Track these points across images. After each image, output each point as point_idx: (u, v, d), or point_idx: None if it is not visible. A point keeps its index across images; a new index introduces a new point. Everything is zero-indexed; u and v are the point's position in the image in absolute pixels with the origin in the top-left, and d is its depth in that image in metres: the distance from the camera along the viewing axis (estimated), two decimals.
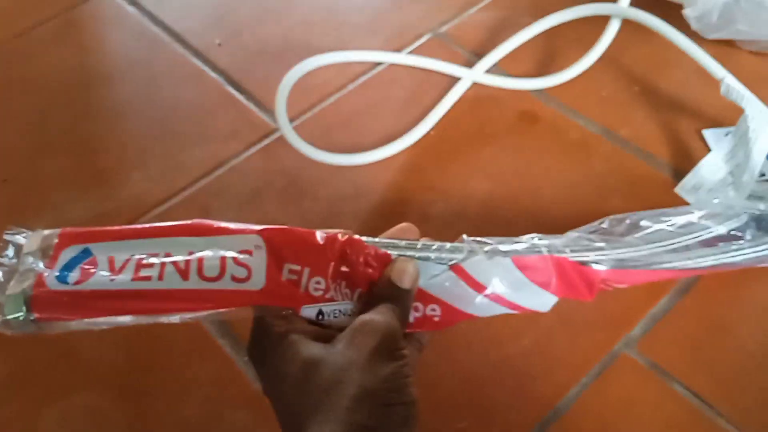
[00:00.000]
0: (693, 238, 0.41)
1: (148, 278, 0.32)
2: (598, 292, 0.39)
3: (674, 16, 0.56)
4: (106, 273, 0.32)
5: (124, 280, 0.32)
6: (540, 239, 0.39)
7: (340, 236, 0.36)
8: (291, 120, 0.58)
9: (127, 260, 0.32)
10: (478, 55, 0.61)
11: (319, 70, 0.60)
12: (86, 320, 0.32)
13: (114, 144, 0.59)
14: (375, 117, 0.59)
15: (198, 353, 0.46)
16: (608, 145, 0.55)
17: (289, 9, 0.69)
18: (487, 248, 0.38)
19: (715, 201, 0.44)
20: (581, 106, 0.58)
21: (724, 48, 0.59)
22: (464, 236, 0.38)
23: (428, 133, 0.57)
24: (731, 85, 0.49)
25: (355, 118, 0.59)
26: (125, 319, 0.32)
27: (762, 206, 0.46)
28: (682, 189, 0.51)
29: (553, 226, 0.50)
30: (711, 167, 0.51)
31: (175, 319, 0.33)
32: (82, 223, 0.53)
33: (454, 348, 0.45)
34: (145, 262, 0.32)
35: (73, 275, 0.32)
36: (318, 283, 0.34)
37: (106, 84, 0.64)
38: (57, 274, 0.32)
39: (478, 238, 0.38)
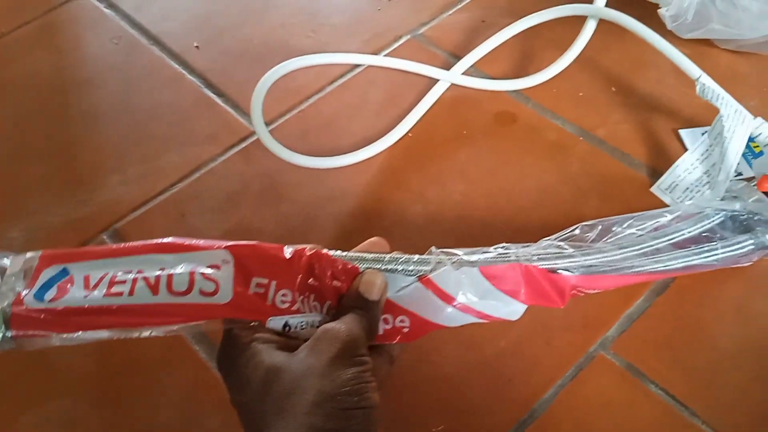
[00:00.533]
0: (664, 241, 0.41)
1: (119, 294, 0.33)
2: (570, 298, 0.39)
3: (651, 16, 0.57)
4: (80, 290, 0.33)
5: (97, 296, 0.33)
6: (509, 249, 0.39)
7: (307, 251, 0.36)
8: (269, 123, 0.58)
9: (101, 278, 0.33)
10: (456, 56, 0.61)
11: (298, 73, 0.59)
12: (64, 336, 0.33)
13: (91, 148, 0.59)
14: (353, 119, 0.59)
15: (173, 359, 0.46)
16: (585, 145, 0.55)
17: (268, 11, 0.69)
18: (455, 259, 0.38)
19: (689, 202, 0.44)
20: (558, 106, 0.58)
21: (701, 47, 0.60)
22: (433, 248, 0.39)
23: (406, 135, 0.57)
24: (706, 84, 0.50)
25: (333, 121, 0.59)
26: (101, 334, 0.33)
27: (738, 205, 0.46)
28: (658, 189, 0.51)
29: (529, 227, 0.51)
30: (687, 167, 0.51)
31: (147, 333, 0.34)
32: (58, 227, 0.53)
33: (431, 351, 0.45)
34: (117, 279, 0.33)
35: (50, 293, 0.33)
36: (284, 295, 0.35)
37: (84, 88, 0.64)
38: (35, 292, 0.33)
39: (447, 250, 0.39)
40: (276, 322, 0.35)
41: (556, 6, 0.56)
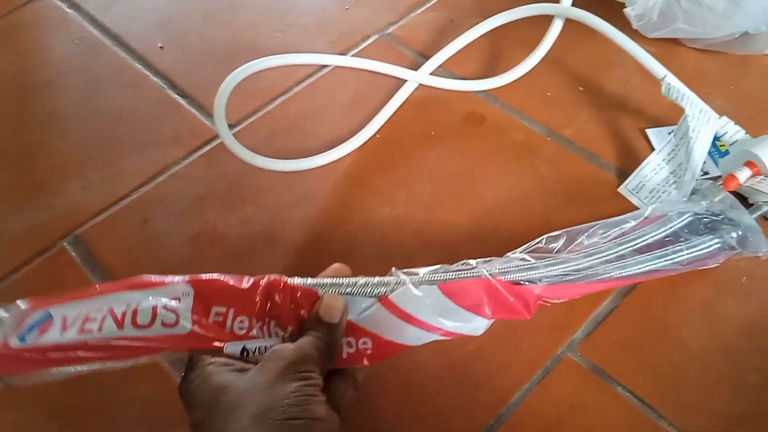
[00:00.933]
0: (629, 247, 0.41)
1: (90, 331, 0.36)
2: (536, 309, 0.39)
3: (618, 16, 0.57)
4: (58, 330, 0.36)
5: (71, 334, 0.35)
6: (471, 264, 0.40)
7: (265, 279, 0.38)
8: (235, 124, 0.58)
9: (76, 317, 0.36)
10: (425, 56, 0.60)
11: (265, 74, 0.58)
12: (45, 371, 0.36)
13: (52, 152, 0.57)
14: (321, 120, 0.58)
15: (134, 370, 0.44)
16: (552, 145, 0.55)
17: (234, 11, 0.68)
18: (414, 279, 0.38)
19: (655, 205, 0.44)
20: (526, 106, 0.58)
21: (669, 45, 0.60)
22: (393, 269, 0.39)
23: (374, 136, 0.56)
24: (672, 84, 0.50)
25: (300, 122, 0.58)
26: (80, 368, 0.36)
27: (703, 206, 0.46)
28: (625, 189, 0.51)
29: (497, 228, 0.50)
30: (654, 167, 0.51)
31: (121, 365, 0.36)
32: (18, 234, 0.52)
33: (398, 356, 0.44)
34: (90, 317, 0.36)
35: (32, 335, 0.36)
36: (242, 322, 0.37)
37: (45, 90, 0.62)
38: (19, 334, 0.36)
39: (408, 270, 0.39)
40: (233, 348, 0.36)
41: (523, 5, 0.56)
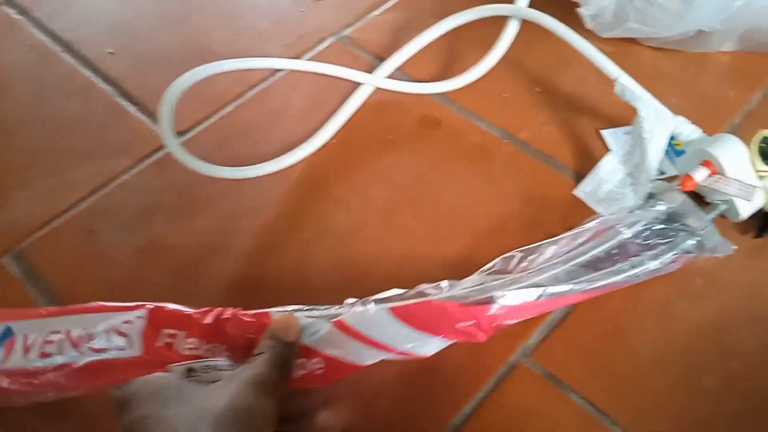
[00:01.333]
0: (580, 263, 0.41)
1: (49, 355, 0.37)
2: (493, 332, 0.39)
3: (574, 16, 0.56)
4: (21, 351, 0.37)
5: (33, 357, 0.37)
6: (425, 289, 0.40)
7: (217, 309, 0.38)
8: (185, 131, 0.56)
9: (36, 339, 0.37)
10: (382, 59, 0.59)
11: (218, 79, 0.57)
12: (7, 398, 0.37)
13: None
14: (275, 126, 0.57)
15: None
16: (509, 148, 0.54)
17: (188, 16, 0.67)
18: (368, 301, 0.38)
19: (604, 217, 0.44)
20: (483, 109, 0.57)
21: (625, 44, 0.59)
22: (347, 300, 0.39)
23: (330, 141, 0.55)
24: (625, 84, 0.49)
25: (254, 128, 0.57)
26: (47, 396, 0.38)
27: (662, 208, 0.45)
28: (582, 191, 0.50)
29: (451, 233, 0.49)
30: (609, 169, 0.50)
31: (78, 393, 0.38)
32: None
33: None
34: (48, 339, 0.37)
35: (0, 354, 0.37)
36: (191, 344, 0.37)
37: None
38: None
39: (363, 299, 0.39)
40: (180, 367, 0.36)
41: (478, 6, 0.55)
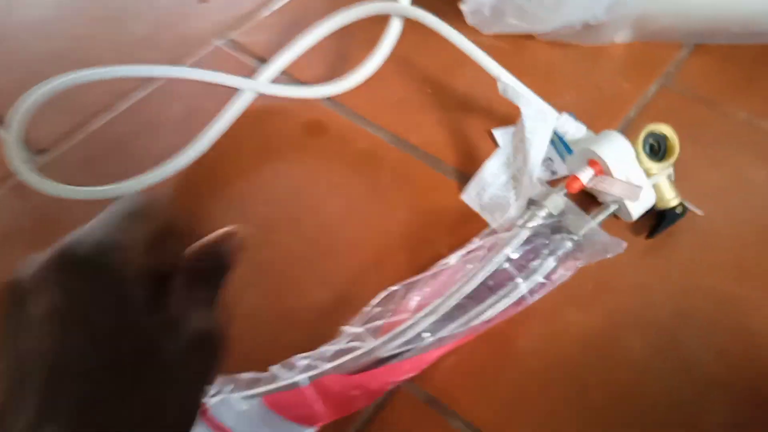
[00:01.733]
0: (461, 296, 0.38)
1: None
2: (384, 392, 0.37)
3: (460, 13, 0.54)
4: None
5: None
6: (297, 381, 0.36)
7: None
8: (47, 149, 0.52)
9: None
10: (268, 63, 0.56)
11: (87, 90, 0.52)
12: None
13: None
14: (149, 139, 0.53)
15: None
16: (397, 153, 0.51)
17: (59, 22, 0.62)
18: (238, 393, 0.35)
19: (495, 224, 0.41)
20: (371, 112, 0.54)
21: (520, 40, 0.57)
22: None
23: (205, 153, 0.51)
24: (508, 83, 0.47)
25: (126, 142, 0.53)
26: None
27: (543, 212, 0.43)
28: (467, 195, 0.48)
29: (333, 250, 0.46)
30: (493, 171, 0.48)
31: None
32: None
33: None
34: None
35: None
36: None
37: None
38: None
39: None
40: None
41: (360, 5, 0.52)
